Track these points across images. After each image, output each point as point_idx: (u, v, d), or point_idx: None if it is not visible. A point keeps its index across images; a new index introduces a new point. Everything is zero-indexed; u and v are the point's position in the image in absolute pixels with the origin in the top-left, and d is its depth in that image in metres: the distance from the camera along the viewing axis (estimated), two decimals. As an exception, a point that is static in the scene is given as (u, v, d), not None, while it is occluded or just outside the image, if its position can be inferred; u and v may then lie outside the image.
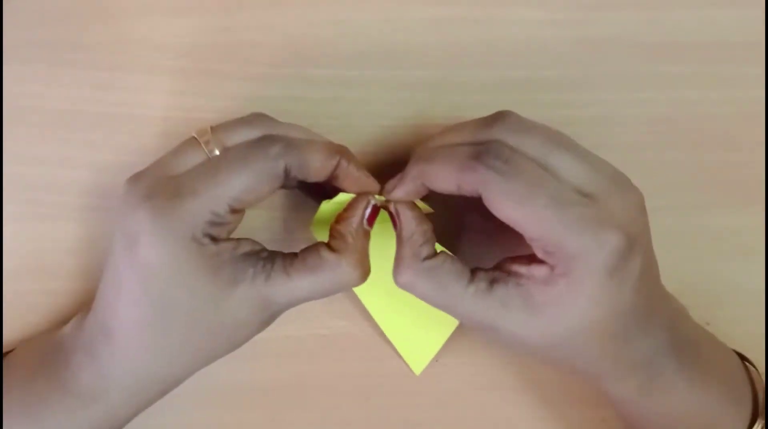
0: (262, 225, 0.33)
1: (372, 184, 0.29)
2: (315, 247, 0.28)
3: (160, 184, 0.26)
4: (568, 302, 0.25)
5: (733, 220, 0.34)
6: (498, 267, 0.27)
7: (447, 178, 0.26)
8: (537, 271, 0.26)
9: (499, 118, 0.26)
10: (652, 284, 0.27)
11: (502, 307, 0.26)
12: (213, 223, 0.26)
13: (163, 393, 0.29)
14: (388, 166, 0.34)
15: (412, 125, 0.34)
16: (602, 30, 0.33)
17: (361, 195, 0.29)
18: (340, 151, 0.28)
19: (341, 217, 0.28)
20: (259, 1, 0.33)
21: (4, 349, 0.32)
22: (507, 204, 0.25)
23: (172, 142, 0.31)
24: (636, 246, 0.25)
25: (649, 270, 0.26)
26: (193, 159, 0.27)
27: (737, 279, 0.34)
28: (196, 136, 0.27)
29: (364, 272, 0.28)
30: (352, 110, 0.33)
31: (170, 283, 0.26)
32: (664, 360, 0.27)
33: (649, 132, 0.34)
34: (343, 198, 0.29)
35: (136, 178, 0.27)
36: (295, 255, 0.28)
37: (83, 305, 0.32)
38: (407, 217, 0.28)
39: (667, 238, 0.29)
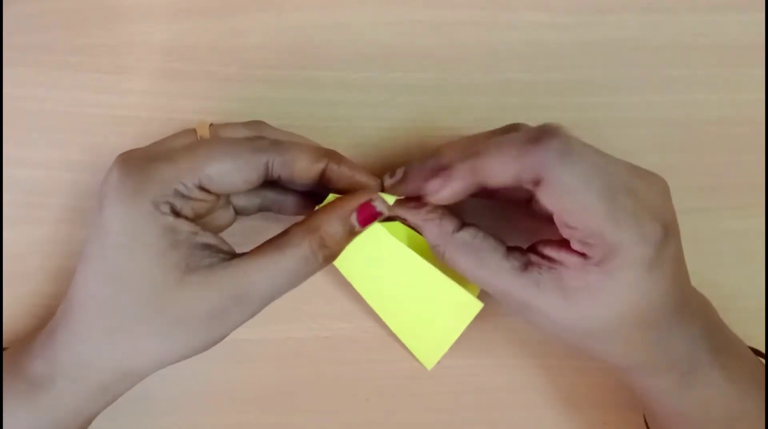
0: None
1: (369, 181, 0.28)
2: (286, 229, 0.27)
3: (140, 151, 0.26)
4: (602, 291, 0.25)
5: (737, 224, 0.34)
6: (531, 249, 0.27)
7: (505, 169, 0.25)
8: (569, 258, 0.26)
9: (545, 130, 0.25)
10: (684, 273, 0.27)
11: (536, 287, 0.26)
12: (178, 193, 0.26)
13: (123, 386, 0.28)
14: (389, 169, 0.33)
15: (414, 128, 0.34)
16: (605, 33, 0.33)
17: (360, 191, 0.28)
18: (328, 155, 0.28)
19: (330, 204, 0.28)
20: (259, 4, 0.33)
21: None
22: (566, 189, 0.24)
23: None
24: (670, 234, 0.25)
25: (682, 258, 0.26)
26: (184, 141, 0.27)
27: (739, 282, 0.34)
28: (196, 127, 0.28)
29: (330, 255, 0.27)
30: (353, 112, 0.33)
31: (126, 250, 0.25)
32: (701, 351, 0.27)
33: (653, 135, 0.34)
34: (333, 198, 0.29)
35: (127, 151, 0.27)
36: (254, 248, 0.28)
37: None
38: (410, 209, 0.28)
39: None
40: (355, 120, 0.33)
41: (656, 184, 0.26)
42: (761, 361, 0.29)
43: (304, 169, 0.27)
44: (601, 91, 0.34)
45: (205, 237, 0.26)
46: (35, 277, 0.33)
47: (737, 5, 0.33)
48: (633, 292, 0.25)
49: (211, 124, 0.28)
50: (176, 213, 0.26)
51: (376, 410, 0.34)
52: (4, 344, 0.33)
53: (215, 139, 0.27)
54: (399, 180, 0.28)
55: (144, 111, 0.33)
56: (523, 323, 0.34)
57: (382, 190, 0.29)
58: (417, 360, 0.33)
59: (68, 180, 0.33)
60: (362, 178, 0.28)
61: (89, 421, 0.28)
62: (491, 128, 0.29)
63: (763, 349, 0.32)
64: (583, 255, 0.25)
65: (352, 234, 0.28)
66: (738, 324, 0.30)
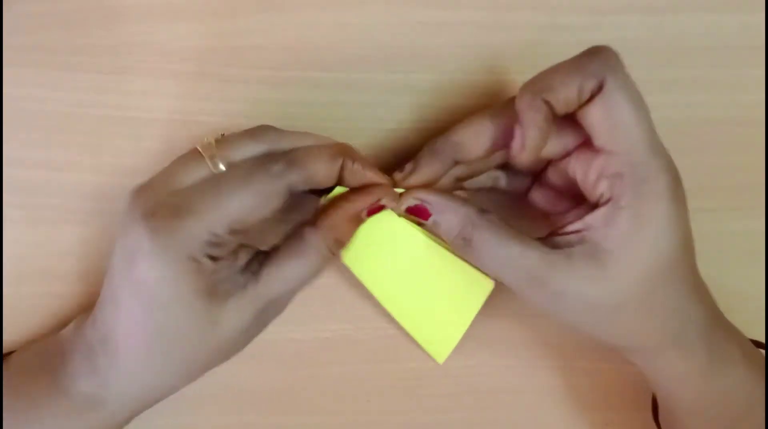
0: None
1: (382, 179, 0.28)
2: (298, 230, 0.28)
3: (160, 201, 0.26)
4: (635, 237, 0.25)
5: (738, 225, 0.34)
6: (552, 234, 0.27)
7: (570, 77, 0.25)
8: (595, 218, 0.26)
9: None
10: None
11: (568, 262, 0.26)
12: (212, 244, 0.26)
13: (160, 400, 0.29)
14: (392, 170, 0.33)
15: (416, 128, 0.34)
16: (605, 34, 0.33)
17: (371, 189, 0.28)
18: (343, 152, 0.28)
19: (344, 199, 0.29)
20: (262, 5, 0.33)
21: (5, 352, 0.32)
22: (625, 97, 0.25)
23: (175, 146, 0.32)
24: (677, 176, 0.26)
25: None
26: (197, 173, 0.27)
27: (740, 283, 0.34)
28: (200, 149, 0.27)
29: (342, 248, 0.29)
30: (355, 113, 0.33)
31: (168, 302, 0.26)
32: (718, 333, 0.27)
33: None
34: (340, 191, 0.29)
35: (140, 192, 0.27)
36: (270, 251, 0.28)
37: (84, 308, 0.32)
38: (436, 196, 0.28)
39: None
40: (355, 121, 0.33)
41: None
42: (761, 353, 0.30)
43: (324, 176, 0.27)
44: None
45: (241, 259, 0.27)
46: (35, 278, 0.33)
47: (737, 6, 0.34)
48: (662, 227, 0.25)
49: (216, 140, 0.27)
50: (214, 258, 0.26)
51: (378, 411, 0.34)
52: (5, 345, 0.33)
53: (231, 175, 0.27)
54: (411, 170, 0.29)
55: (144, 112, 0.32)
56: (525, 324, 0.35)
57: (393, 186, 0.29)
58: (428, 354, 0.32)
59: (70, 180, 0.33)
60: (375, 176, 0.28)
61: None
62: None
63: (763, 351, 0.32)
64: (607, 202, 0.25)
65: (359, 224, 0.29)
66: (739, 324, 0.30)
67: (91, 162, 0.33)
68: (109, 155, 0.33)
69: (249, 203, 0.26)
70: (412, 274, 0.30)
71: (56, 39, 0.32)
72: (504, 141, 0.28)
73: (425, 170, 0.28)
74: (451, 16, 0.33)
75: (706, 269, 0.29)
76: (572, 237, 0.26)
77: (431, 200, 0.28)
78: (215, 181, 0.26)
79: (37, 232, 0.33)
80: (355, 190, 0.29)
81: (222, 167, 0.26)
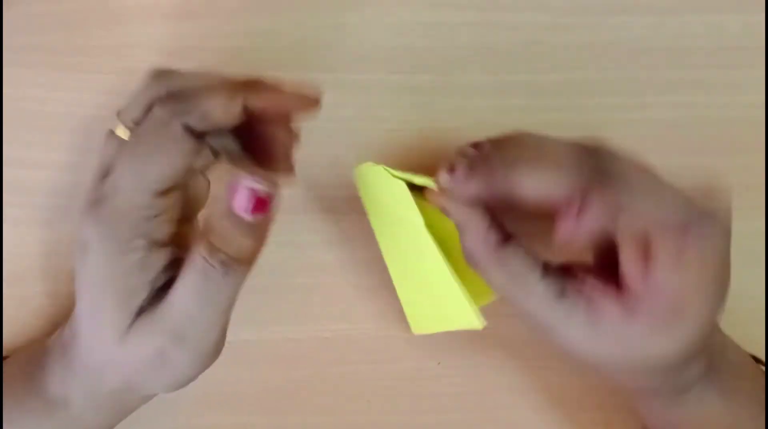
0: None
1: (307, 98, 0.25)
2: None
3: (94, 188, 0.25)
4: (642, 335, 0.24)
5: (737, 225, 0.34)
6: (568, 269, 0.26)
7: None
8: (609, 293, 0.25)
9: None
10: None
11: (567, 316, 0.25)
12: (145, 218, 0.24)
13: (139, 402, 0.28)
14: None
15: (416, 129, 0.34)
16: (606, 35, 0.34)
17: (234, 175, 0.24)
18: (246, 87, 0.25)
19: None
20: (261, 7, 0.33)
21: (5, 354, 0.32)
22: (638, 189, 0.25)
23: None
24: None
25: None
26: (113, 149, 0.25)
27: (740, 283, 0.33)
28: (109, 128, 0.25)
29: (229, 261, 0.24)
30: (354, 114, 0.34)
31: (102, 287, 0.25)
32: (699, 370, 0.27)
33: (653, 136, 0.34)
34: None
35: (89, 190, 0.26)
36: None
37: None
38: (457, 205, 0.26)
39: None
40: (355, 121, 0.34)
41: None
42: (761, 370, 0.30)
43: (222, 115, 0.24)
44: (602, 93, 0.34)
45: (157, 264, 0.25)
46: (36, 278, 0.33)
47: (737, 7, 0.34)
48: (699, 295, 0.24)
49: (117, 112, 0.25)
50: (157, 242, 0.25)
51: (377, 411, 0.34)
52: (5, 346, 0.33)
53: (131, 139, 0.25)
54: (465, 173, 0.25)
55: None
56: (523, 326, 0.34)
57: (315, 104, 0.26)
58: (407, 322, 0.33)
59: (69, 181, 0.33)
60: (292, 97, 0.25)
61: None
62: (493, 130, 0.29)
63: (763, 351, 0.32)
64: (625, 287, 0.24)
65: (252, 227, 0.24)
66: (739, 325, 0.30)
67: (91, 163, 0.31)
68: None
69: (154, 157, 0.24)
70: (415, 262, 0.30)
71: (56, 39, 0.33)
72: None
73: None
74: (451, 17, 0.33)
75: None
76: (583, 297, 0.25)
77: (452, 213, 0.26)
78: (119, 148, 0.25)
79: (37, 233, 0.33)
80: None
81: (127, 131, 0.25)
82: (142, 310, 0.25)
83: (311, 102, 0.26)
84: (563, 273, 0.26)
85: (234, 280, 0.24)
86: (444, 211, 0.27)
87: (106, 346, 0.25)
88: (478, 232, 0.26)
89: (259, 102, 0.24)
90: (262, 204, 0.24)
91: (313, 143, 0.33)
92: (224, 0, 0.33)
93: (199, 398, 0.34)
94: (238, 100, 0.24)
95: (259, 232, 0.25)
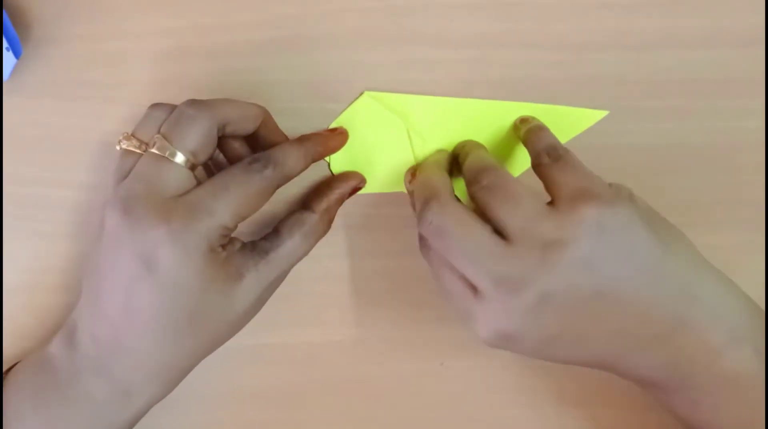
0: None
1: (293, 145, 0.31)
2: (295, 214, 0.31)
3: (168, 206, 0.27)
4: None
5: (713, 239, 0.34)
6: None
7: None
8: None
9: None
10: (590, 310, 0.27)
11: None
12: (223, 236, 0.28)
13: (181, 380, 0.30)
14: (394, 196, 0.35)
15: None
16: (589, 69, 0.34)
17: (353, 174, 0.34)
18: (314, 151, 0.32)
19: (331, 186, 0.33)
20: (280, 45, 0.33)
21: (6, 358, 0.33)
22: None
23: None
24: (549, 299, 0.26)
25: (580, 304, 0.27)
26: (172, 174, 0.28)
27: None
28: (156, 151, 0.28)
29: (330, 225, 0.32)
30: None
31: (197, 293, 0.27)
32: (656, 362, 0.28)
33: (634, 160, 0.35)
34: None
35: (132, 204, 0.27)
36: (270, 233, 0.31)
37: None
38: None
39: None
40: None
41: (552, 256, 0.26)
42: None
43: (299, 172, 0.31)
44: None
45: (236, 244, 0.29)
46: (57, 289, 0.34)
47: (706, 43, 0.34)
48: (518, 325, 0.27)
49: (158, 135, 0.28)
50: (223, 246, 0.28)
51: (385, 408, 0.35)
52: (5, 344, 0.34)
53: (233, 177, 0.28)
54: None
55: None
56: None
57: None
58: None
59: (85, 199, 0.34)
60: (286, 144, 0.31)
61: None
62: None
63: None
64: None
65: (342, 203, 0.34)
66: None
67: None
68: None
69: (252, 200, 0.28)
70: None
71: (98, 76, 0.34)
72: None
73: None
74: (453, 55, 0.34)
75: None
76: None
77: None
78: (221, 183, 0.28)
79: (37, 245, 0.34)
80: (340, 177, 0.33)
81: (182, 156, 0.28)
82: None
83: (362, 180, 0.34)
84: None
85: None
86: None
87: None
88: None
89: (264, 133, 0.31)
90: (355, 192, 0.34)
91: (326, 167, 0.34)
92: (246, 40, 0.33)
93: (222, 395, 0.35)
94: (309, 161, 0.31)
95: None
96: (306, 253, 0.31)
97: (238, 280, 0.28)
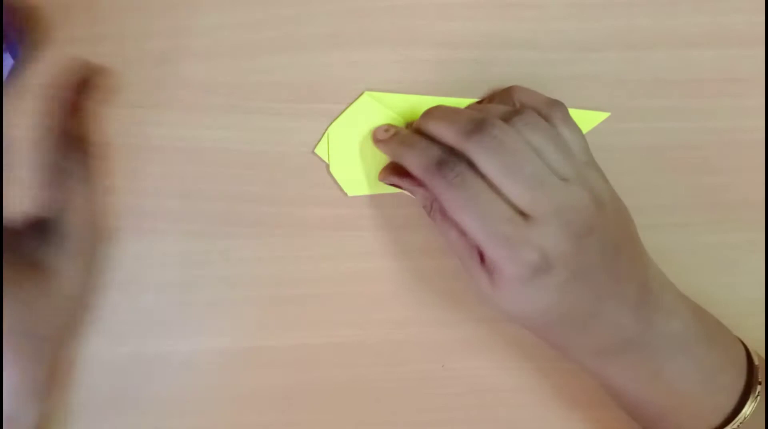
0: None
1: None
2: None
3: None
4: (505, 290, 0.28)
5: (711, 238, 0.35)
6: None
7: (415, 168, 0.29)
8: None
9: (483, 129, 0.27)
10: (592, 284, 0.28)
11: (479, 264, 0.28)
12: None
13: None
14: (395, 197, 0.34)
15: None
16: (589, 68, 0.34)
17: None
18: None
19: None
20: (281, 47, 0.34)
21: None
22: (451, 207, 0.27)
23: (201, 169, 0.33)
24: (556, 264, 0.27)
25: (587, 275, 0.27)
26: None
27: (742, 293, 0.35)
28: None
29: None
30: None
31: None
32: (627, 343, 0.28)
33: (633, 158, 0.35)
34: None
35: None
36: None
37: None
38: (404, 182, 0.32)
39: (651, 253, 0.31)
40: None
41: (571, 223, 0.27)
42: (737, 348, 0.30)
43: None
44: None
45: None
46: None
47: (706, 43, 0.34)
48: (517, 298, 0.27)
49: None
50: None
51: (385, 410, 0.35)
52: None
53: None
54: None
55: (178, 141, 0.34)
56: (520, 328, 0.33)
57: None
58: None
59: (110, 202, 0.34)
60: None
61: None
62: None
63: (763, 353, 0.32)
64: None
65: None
66: (739, 331, 0.31)
67: (130, 186, 0.34)
68: (146, 180, 0.34)
69: None
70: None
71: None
72: None
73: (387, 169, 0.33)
74: (452, 54, 0.34)
75: (686, 277, 0.30)
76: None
77: (400, 183, 0.32)
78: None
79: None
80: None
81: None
82: None
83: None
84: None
85: None
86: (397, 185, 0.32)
87: None
88: (419, 194, 0.31)
89: None
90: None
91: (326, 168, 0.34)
92: (246, 40, 0.33)
93: (222, 397, 0.34)
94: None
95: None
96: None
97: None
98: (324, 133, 0.34)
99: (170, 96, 0.33)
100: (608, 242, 0.28)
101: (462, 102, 0.34)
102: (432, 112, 0.30)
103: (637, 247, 0.30)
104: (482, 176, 0.27)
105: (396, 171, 0.32)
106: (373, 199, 0.35)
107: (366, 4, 0.33)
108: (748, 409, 0.28)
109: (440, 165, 0.28)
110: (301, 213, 0.34)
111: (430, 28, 0.34)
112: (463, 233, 0.29)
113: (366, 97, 0.33)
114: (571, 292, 0.27)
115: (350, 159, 0.34)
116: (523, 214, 0.27)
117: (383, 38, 0.34)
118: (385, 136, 0.32)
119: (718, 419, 0.29)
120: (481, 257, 0.28)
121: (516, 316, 0.29)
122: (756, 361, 0.30)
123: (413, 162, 0.29)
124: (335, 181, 0.34)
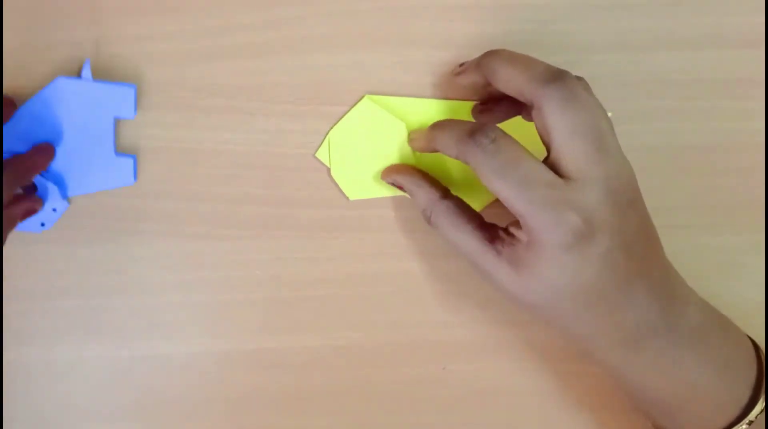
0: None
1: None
2: None
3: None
4: (538, 268, 0.27)
5: (712, 240, 0.35)
6: (505, 228, 0.29)
7: (449, 145, 0.29)
8: (522, 235, 0.27)
9: (561, 78, 0.27)
10: (628, 260, 0.27)
11: (496, 258, 0.28)
12: None
13: None
14: (396, 199, 0.35)
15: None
16: (592, 70, 0.33)
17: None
18: None
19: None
20: (282, 48, 0.34)
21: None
22: (487, 177, 0.27)
23: (201, 170, 0.33)
24: (599, 230, 0.26)
25: (625, 248, 0.27)
26: None
27: (742, 294, 0.35)
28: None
29: None
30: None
31: None
32: (653, 330, 0.28)
33: (637, 159, 0.32)
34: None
35: None
36: None
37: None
38: (406, 178, 0.32)
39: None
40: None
41: (611, 185, 0.26)
42: (747, 348, 0.29)
43: None
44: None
45: None
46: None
47: (706, 43, 0.34)
48: (556, 270, 0.26)
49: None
50: None
51: (386, 412, 0.35)
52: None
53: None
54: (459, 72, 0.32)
55: (179, 142, 0.34)
56: (522, 330, 0.35)
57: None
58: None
59: (110, 204, 0.34)
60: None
61: None
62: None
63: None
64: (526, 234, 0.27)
65: None
66: None
67: (130, 187, 0.34)
68: (144, 179, 0.34)
69: None
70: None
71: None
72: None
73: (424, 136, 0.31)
74: (451, 56, 0.34)
75: (686, 278, 0.29)
76: (507, 239, 0.28)
77: (402, 182, 0.32)
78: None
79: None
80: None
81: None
82: None
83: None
84: (495, 228, 0.29)
85: None
86: (398, 185, 0.32)
87: None
88: (424, 190, 0.31)
89: None
90: None
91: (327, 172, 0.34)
92: (246, 42, 0.33)
93: (222, 400, 0.35)
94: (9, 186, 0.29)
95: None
96: None
97: None
98: (325, 136, 0.34)
99: (170, 97, 0.33)
100: (644, 219, 0.28)
101: (464, 104, 0.34)
102: (500, 53, 0.29)
103: (656, 233, 0.29)
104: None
105: (399, 170, 0.32)
106: (374, 202, 0.35)
107: (366, 6, 0.33)
108: (764, 404, 0.28)
109: (473, 133, 0.27)
110: (302, 214, 0.35)
111: (431, 30, 0.34)
112: (476, 228, 0.29)
113: (366, 100, 0.33)
114: (610, 265, 0.26)
115: (351, 163, 0.34)
116: (564, 178, 0.26)
117: (384, 39, 0.34)
118: (418, 135, 0.32)
119: (736, 411, 0.28)
120: (497, 250, 0.28)
121: (544, 302, 0.28)
122: (762, 355, 0.30)
123: (446, 141, 0.29)
124: (337, 186, 0.34)
